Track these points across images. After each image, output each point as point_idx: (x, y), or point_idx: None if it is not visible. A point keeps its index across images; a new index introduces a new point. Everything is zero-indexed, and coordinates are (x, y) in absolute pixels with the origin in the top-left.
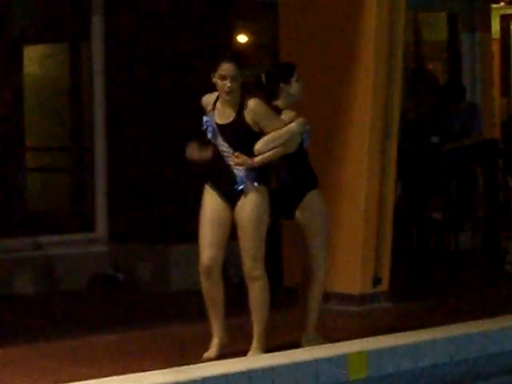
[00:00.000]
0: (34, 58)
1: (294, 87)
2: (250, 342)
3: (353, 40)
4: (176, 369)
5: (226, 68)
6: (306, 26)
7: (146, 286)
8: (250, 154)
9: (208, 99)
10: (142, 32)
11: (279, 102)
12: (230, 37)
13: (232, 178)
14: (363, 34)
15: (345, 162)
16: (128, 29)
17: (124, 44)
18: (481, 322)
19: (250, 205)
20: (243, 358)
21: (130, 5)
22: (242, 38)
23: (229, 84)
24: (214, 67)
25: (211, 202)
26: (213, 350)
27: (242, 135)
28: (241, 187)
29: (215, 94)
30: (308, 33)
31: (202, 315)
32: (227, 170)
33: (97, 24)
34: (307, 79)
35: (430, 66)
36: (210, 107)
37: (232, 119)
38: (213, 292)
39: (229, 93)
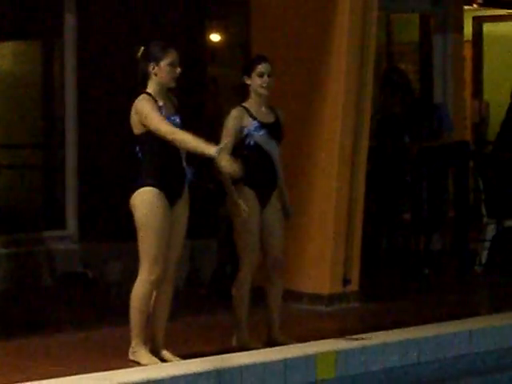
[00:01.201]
0: (7, 55)
1: (254, 82)
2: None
3: (325, 40)
4: (146, 367)
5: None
6: (277, 27)
7: (115, 284)
8: None
9: (150, 98)
10: (115, 30)
11: (251, 100)
12: (203, 36)
13: (183, 176)
14: (335, 34)
15: (316, 162)
16: (101, 26)
17: (96, 41)
18: (449, 323)
19: (188, 208)
20: (212, 357)
21: (103, 2)
22: (215, 37)
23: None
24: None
25: (163, 209)
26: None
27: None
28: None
29: (146, 96)
30: (280, 33)
31: (170, 314)
32: (179, 168)
33: (69, 21)
34: (279, 79)
35: (403, 67)
36: (157, 104)
37: (175, 112)
38: (161, 298)
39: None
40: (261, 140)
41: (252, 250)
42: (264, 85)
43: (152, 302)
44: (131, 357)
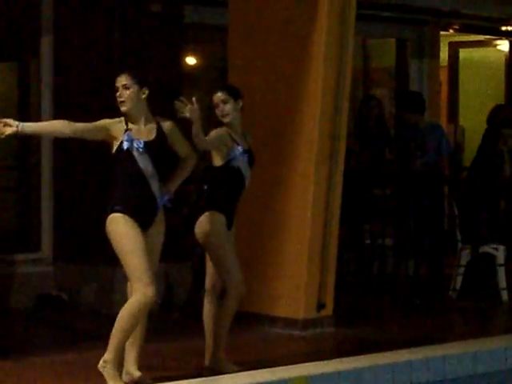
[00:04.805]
0: None
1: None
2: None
3: (301, 66)
4: None
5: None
6: (254, 52)
7: (90, 307)
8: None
9: (116, 122)
10: (91, 52)
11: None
12: (180, 59)
13: (153, 201)
14: (312, 59)
15: (291, 187)
16: (77, 49)
17: (73, 64)
18: (423, 348)
19: (163, 229)
20: (185, 381)
21: (80, 25)
22: (192, 61)
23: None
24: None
25: (136, 230)
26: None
27: (163, 152)
28: (159, 211)
29: (120, 118)
30: (256, 59)
31: (144, 337)
32: (147, 195)
33: (46, 43)
34: (255, 102)
35: (378, 92)
36: (123, 127)
37: (154, 137)
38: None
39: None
40: (243, 166)
41: (235, 269)
42: (224, 113)
43: None
44: (100, 368)
